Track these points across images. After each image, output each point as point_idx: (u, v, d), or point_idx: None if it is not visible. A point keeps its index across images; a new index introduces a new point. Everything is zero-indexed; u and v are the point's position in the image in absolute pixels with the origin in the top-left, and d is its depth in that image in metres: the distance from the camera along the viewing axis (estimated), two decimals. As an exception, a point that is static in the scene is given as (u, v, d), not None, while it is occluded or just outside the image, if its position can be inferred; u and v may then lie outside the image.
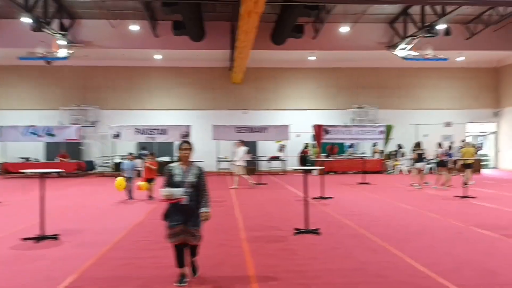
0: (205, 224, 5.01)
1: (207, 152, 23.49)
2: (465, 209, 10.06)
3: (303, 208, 7.67)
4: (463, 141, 21.08)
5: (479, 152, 25.57)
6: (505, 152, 26.04)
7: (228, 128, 22.53)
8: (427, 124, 25.15)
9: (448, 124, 24.26)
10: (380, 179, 19.18)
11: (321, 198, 11.98)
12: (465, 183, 15.22)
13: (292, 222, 8.18)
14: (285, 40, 21.25)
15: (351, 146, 24.30)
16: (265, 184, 16.70)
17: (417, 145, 15.97)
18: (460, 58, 23.71)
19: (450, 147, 16.61)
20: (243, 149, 15.39)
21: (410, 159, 23.06)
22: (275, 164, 23.98)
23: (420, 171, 15.57)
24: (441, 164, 15.65)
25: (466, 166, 15.46)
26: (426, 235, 7.14)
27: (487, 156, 26.86)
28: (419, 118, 25.55)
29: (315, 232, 7.31)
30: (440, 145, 15.95)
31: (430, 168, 20.16)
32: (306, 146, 23.69)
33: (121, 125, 22.14)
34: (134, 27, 19.90)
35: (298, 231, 7.35)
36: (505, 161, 25.95)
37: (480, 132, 27.28)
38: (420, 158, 15.61)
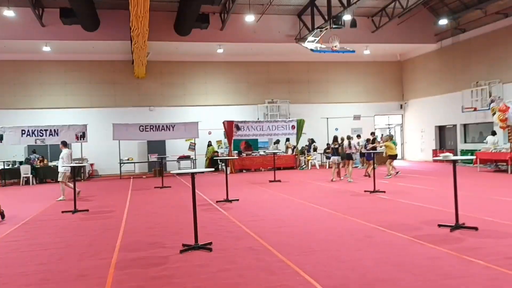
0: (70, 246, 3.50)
1: (107, 153, 21.49)
2: (374, 206, 9.44)
3: (202, 216, 6.41)
4: (371, 133, 21.24)
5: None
6: (410, 143, 26.87)
7: (131, 126, 20.67)
8: (337, 118, 25.13)
9: (357, 117, 24.41)
10: (293, 175, 18.53)
11: (226, 201, 10.82)
12: (391, 174, 15.86)
13: (182, 236, 6.90)
14: (189, 31, 19.84)
15: (276, 142, 23.39)
16: (168, 187, 15.20)
17: (335, 139, 16.06)
18: (366, 51, 23.90)
19: (368, 140, 17.11)
20: (66, 152, 12.61)
21: (325, 153, 22.94)
22: (185, 164, 22.52)
23: (337, 165, 15.74)
24: (347, 157, 15.64)
25: (391, 157, 16.20)
26: (333, 243, 6.22)
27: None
28: (330, 112, 25.50)
29: (205, 248, 6.08)
30: (348, 138, 15.96)
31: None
32: (209, 144, 22.49)
33: (4, 127, 19.31)
34: (9, 13, 17.29)
35: (186, 248, 6.08)
36: (410, 152, 26.78)
37: (387, 124, 27.97)
38: (335, 152, 15.76)
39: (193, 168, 21.42)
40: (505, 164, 16.09)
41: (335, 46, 18.91)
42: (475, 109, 20.82)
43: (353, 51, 20.50)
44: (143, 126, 20.70)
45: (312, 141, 23.55)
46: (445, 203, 9.14)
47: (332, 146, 16.02)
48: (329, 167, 22.22)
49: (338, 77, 26.27)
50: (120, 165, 20.64)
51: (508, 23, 19.18)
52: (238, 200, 10.95)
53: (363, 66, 26.41)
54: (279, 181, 15.75)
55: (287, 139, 23.40)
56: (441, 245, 5.78)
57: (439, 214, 8.10)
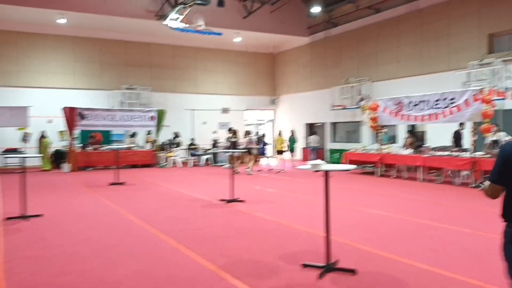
0: None
1: None
2: (224, 226, 7.10)
3: None
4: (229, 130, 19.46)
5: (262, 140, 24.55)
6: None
7: None
8: (204, 110, 22.77)
9: (225, 111, 22.32)
10: (146, 175, 15.63)
11: (22, 217, 7.58)
12: (279, 170, 16.48)
13: None
14: (17, -10, 15.65)
15: (132, 135, 19.99)
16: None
17: (234, 132, 16.86)
18: (238, 39, 21.94)
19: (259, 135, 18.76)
20: None
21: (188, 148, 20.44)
22: (13, 160, 18.03)
23: (236, 158, 15.10)
24: (247, 151, 15.57)
25: (279, 152, 18.08)
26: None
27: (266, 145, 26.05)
28: (196, 103, 23.04)
29: None
30: (248, 132, 16.82)
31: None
32: (43, 135, 18.28)
33: None
34: None
35: None
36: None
37: (258, 119, 26.46)
38: (233, 145, 16.28)
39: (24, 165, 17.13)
40: (372, 166, 15.18)
41: (199, 26, 16.41)
42: (344, 107, 20.09)
43: (220, 34, 18.25)
44: None
45: (176, 135, 20.86)
46: (316, 219, 7.18)
47: (232, 139, 16.75)
48: (200, 164, 19.90)
49: (207, 65, 23.88)
50: None
51: (378, 19, 18.63)
52: (40, 216, 7.78)
53: (235, 56, 24.43)
54: (123, 183, 12.74)
55: (148, 132, 20.35)
56: (305, 314, 3.55)
57: (307, 240, 6.04)
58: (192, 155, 20.51)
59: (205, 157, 20.28)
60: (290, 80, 24.59)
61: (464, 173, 12.14)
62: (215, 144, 21.14)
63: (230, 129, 18.16)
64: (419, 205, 9.11)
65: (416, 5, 17.08)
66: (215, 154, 20.29)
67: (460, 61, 15.04)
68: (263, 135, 19.90)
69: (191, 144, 20.96)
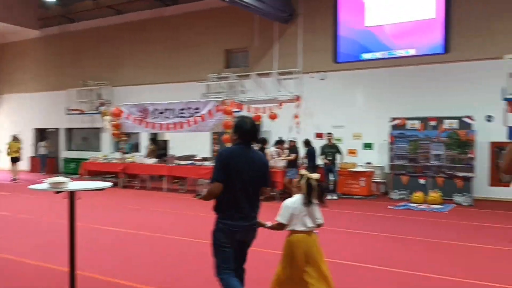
0: None
1: None
2: None
3: None
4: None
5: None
6: (4, 148, 21.53)
7: None
8: None
9: None
10: None
11: None
12: (15, 179, 15.26)
13: None
14: None
15: None
16: None
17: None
18: None
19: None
20: None
21: None
22: None
23: None
24: None
25: (13, 160, 15.65)
26: None
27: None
28: None
29: None
30: None
31: None
32: None
33: None
34: None
35: None
36: (5, 160, 21.41)
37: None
38: None
39: None
40: (114, 176, 14.02)
41: None
42: (82, 112, 18.32)
43: None
44: None
45: None
46: (53, 248, 5.76)
47: None
48: None
49: None
50: None
51: (121, 20, 17.71)
52: None
53: None
54: None
55: None
56: None
57: (44, 279, 4.67)
58: None
59: None
60: (17, 78, 21.01)
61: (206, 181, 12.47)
62: None
63: None
64: (169, 218, 8.68)
65: (160, 12, 16.94)
66: None
67: (202, 72, 15.61)
68: None
69: None
